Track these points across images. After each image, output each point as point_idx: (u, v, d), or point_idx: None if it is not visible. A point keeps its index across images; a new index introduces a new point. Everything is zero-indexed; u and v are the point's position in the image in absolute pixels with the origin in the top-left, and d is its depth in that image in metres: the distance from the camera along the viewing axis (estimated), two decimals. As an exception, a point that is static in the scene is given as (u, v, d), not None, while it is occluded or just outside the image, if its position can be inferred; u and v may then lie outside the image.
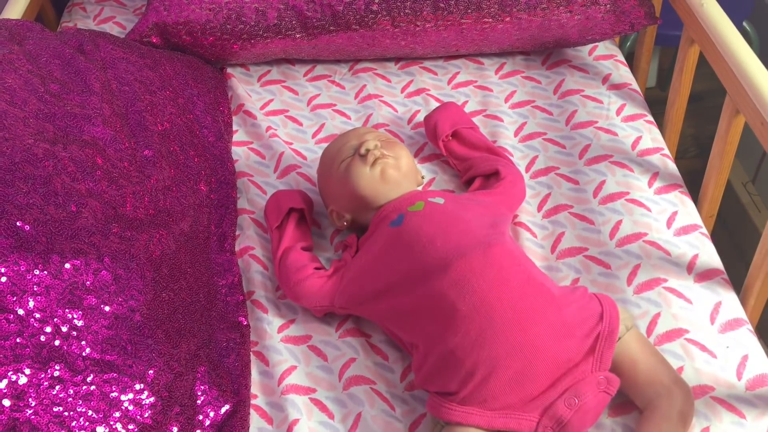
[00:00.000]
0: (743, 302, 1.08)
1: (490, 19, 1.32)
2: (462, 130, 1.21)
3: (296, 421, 0.93)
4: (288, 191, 1.16)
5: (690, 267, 1.06)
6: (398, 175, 1.06)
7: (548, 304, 0.91)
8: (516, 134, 1.28)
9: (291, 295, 1.05)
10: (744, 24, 1.87)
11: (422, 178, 1.16)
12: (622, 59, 1.42)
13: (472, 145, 1.20)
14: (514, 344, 0.87)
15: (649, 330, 0.99)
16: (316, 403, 0.96)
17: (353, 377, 0.98)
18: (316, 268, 1.05)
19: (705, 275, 1.05)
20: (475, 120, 1.30)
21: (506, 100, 1.34)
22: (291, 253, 1.07)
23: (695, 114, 2.00)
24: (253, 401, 0.97)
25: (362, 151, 1.06)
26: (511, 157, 1.22)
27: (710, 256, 1.08)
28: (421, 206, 1.01)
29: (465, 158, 1.19)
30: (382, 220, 1.04)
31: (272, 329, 1.03)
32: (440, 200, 1.03)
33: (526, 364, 0.87)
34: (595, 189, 1.17)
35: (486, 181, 1.15)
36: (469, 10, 1.31)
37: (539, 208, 1.16)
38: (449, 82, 1.39)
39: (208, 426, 0.90)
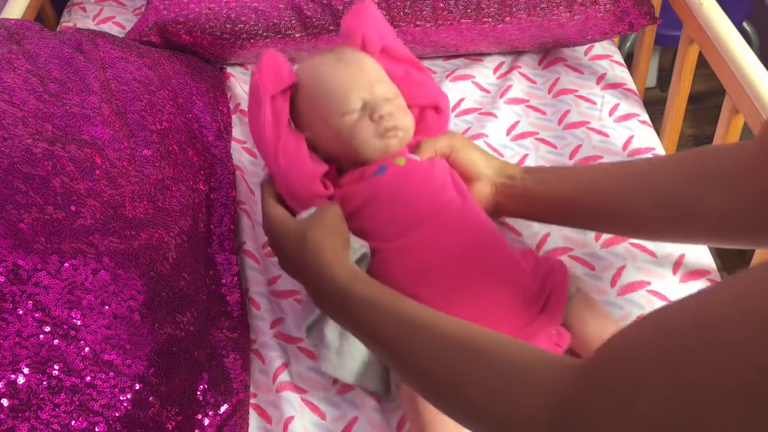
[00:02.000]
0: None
1: (490, 19, 1.32)
2: (389, 46, 1.06)
3: (291, 418, 0.93)
4: (286, 60, 1.02)
5: (675, 267, 1.06)
6: (401, 146, 1.00)
7: (515, 272, 0.94)
8: (508, 132, 1.28)
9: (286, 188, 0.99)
10: (744, 24, 1.87)
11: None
12: (619, 59, 1.42)
13: (400, 59, 1.07)
14: (480, 306, 0.90)
15: (634, 332, 0.99)
16: (308, 403, 0.96)
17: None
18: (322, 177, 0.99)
19: (691, 275, 1.06)
20: (469, 117, 1.30)
21: (501, 96, 1.33)
22: (300, 150, 0.98)
23: (695, 114, 2.00)
24: (252, 400, 0.97)
25: (375, 117, 0.96)
26: (501, 157, 1.22)
27: (697, 256, 1.08)
28: (403, 161, 0.99)
29: (395, 76, 1.04)
30: (365, 169, 0.99)
31: (265, 325, 1.03)
32: (416, 157, 1.01)
33: (490, 324, 0.89)
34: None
35: (422, 113, 1.06)
36: (469, 10, 1.31)
37: None
38: (447, 76, 1.39)
39: (207, 425, 0.90)
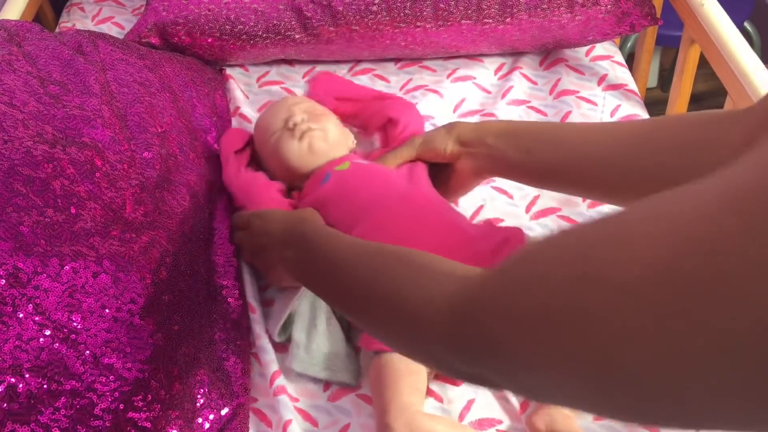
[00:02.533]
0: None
1: (491, 20, 1.32)
2: (341, 93, 1.25)
3: (289, 421, 0.93)
4: (245, 130, 1.23)
5: None
6: (326, 146, 1.12)
7: (462, 240, 0.99)
8: (509, 133, 1.27)
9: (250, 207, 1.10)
10: (745, 24, 1.87)
11: (353, 142, 1.19)
12: (620, 59, 1.42)
13: (357, 99, 1.25)
14: None
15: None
16: (300, 411, 0.96)
17: (339, 390, 0.98)
18: (278, 190, 1.12)
19: None
20: (472, 120, 1.30)
21: (502, 97, 1.33)
22: (257, 175, 1.13)
23: (695, 114, 2.00)
24: (253, 404, 0.96)
25: (290, 125, 1.11)
26: None
27: None
28: (347, 166, 1.09)
29: (355, 114, 1.24)
30: (313, 183, 1.10)
31: (262, 329, 1.03)
32: (364, 162, 1.12)
33: None
34: None
35: (385, 134, 1.20)
36: (470, 11, 1.31)
37: (527, 210, 1.16)
38: (448, 77, 1.38)
39: (207, 429, 0.90)
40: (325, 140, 1.12)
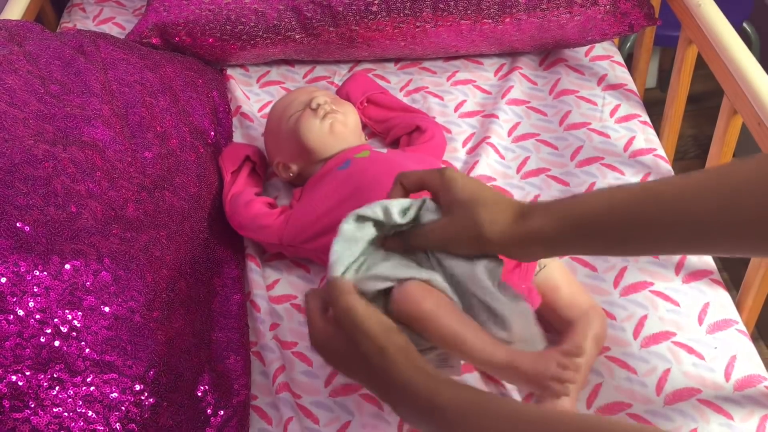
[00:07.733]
0: (741, 303, 1.08)
1: (490, 20, 1.32)
2: (375, 96, 1.29)
3: (290, 419, 0.93)
4: (245, 144, 1.24)
5: (678, 268, 1.06)
6: (345, 130, 1.13)
7: None
8: (510, 134, 1.28)
9: (241, 231, 1.12)
10: (744, 25, 1.87)
11: (366, 138, 1.23)
12: (620, 60, 1.42)
13: (388, 107, 1.28)
14: None
15: (636, 332, 0.99)
16: (301, 408, 0.96)
17: (341, 386, 0.98)
18: (267, 204, 1.13)
19: (693, 276, 1.06)
20: (473, 120, 1.30)
21: (502, 96, 1.33)
22: (243, 194, 1.13)
23: (695, 115, 2.00)
24: (253, 402, 0.97)
25: (313, 105, 1.13)
26: (502, 159, 1.23)
27: (699, 257, 1.08)
28: (367, 153, 1.10)
29: (384, 120, 1.27)
30: (330, 167, 1.11)
31: (265, 328, 1.03)
32: (384, 150, 1.14)
33: None
34: (584, 192, 1.17)
35: (410, 138, 1.23)
36: (469, 11, 1.31)
37: None
38: (448, 79, 1.39)
39: (208, 427, 0.91)
40: (346, 124, 1.13)
